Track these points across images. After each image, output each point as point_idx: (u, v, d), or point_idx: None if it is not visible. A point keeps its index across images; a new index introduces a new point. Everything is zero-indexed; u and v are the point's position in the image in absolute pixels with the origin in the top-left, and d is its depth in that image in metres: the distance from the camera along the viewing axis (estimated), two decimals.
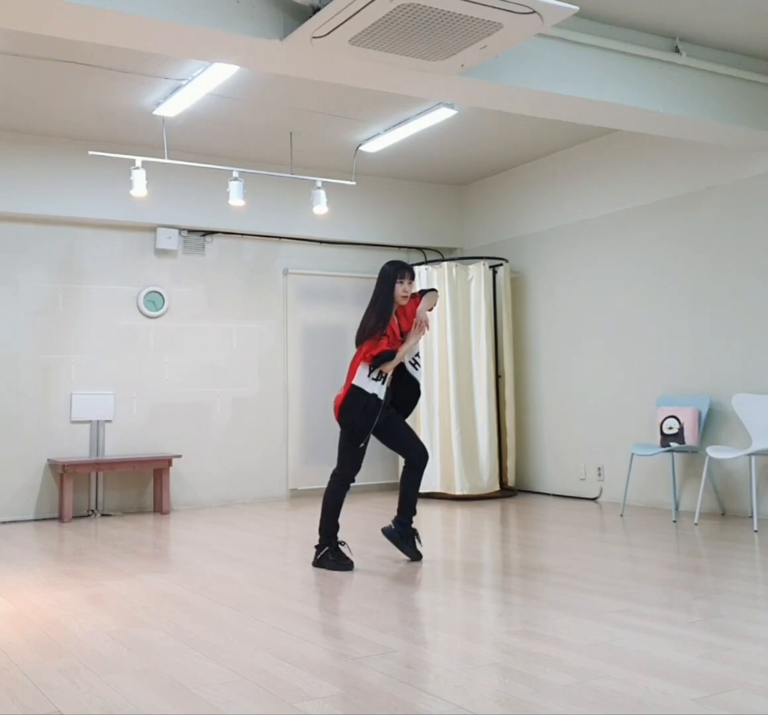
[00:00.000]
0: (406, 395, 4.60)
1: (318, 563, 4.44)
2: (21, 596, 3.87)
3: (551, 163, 7.46)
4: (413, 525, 4.60)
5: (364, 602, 3.64)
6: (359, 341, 4.48)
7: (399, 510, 4.54)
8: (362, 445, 4.43)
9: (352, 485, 4.51)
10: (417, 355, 4.61)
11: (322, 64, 4.12)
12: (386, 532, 4.57)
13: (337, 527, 4.47)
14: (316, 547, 4.49)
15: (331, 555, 4.41)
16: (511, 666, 2.72)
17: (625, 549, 4.78)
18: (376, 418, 4.40)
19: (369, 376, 4.39)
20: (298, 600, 3.70)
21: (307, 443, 7.58)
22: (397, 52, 3.92)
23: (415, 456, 4.51)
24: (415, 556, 4.56)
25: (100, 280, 6.89)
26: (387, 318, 4.43)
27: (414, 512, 4.55)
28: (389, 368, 4.44)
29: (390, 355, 4.40)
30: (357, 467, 4.46)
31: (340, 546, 4.45)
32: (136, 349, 6.98)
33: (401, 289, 4.49)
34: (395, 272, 4.49)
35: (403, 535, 4.56)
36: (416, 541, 4.59)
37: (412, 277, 4.54)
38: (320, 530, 4.48)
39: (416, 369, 4.59)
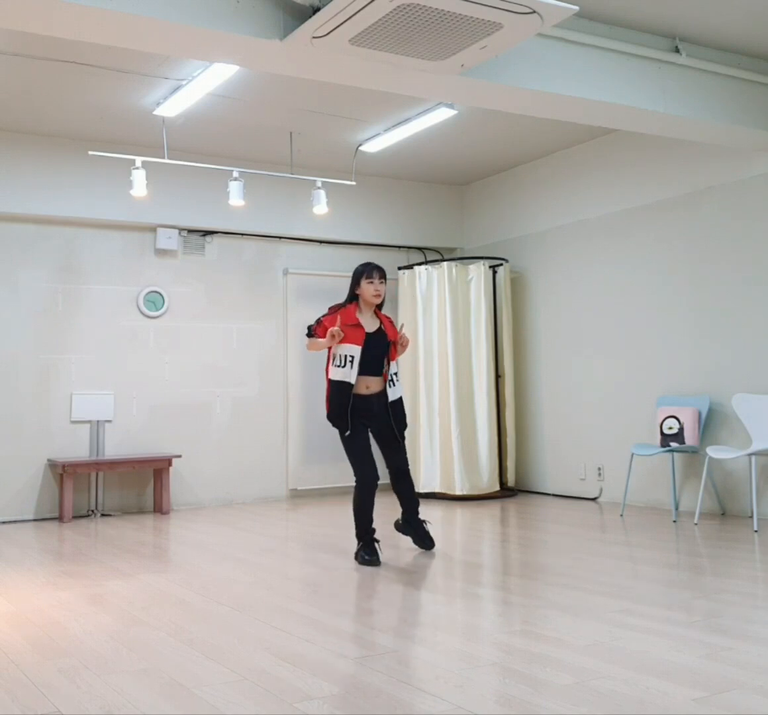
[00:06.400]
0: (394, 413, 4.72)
1: (355, 556, 4.63)
2: (21, 596, 3.87)
3: (551, 163, 7.46)
4: (421, 516, 4.85)
5: (364, 602, 3.64)
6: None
7: (402, 508, 4.83)
8: (348, 433, 4.54)
9: (378, 482, 4.60)
10: (394, 373, 4.71)
11: (322, 64, 4.12)
12: (396, 526, 4.91)
13: (364, 525, 4.60)
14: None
15: (361, 550, 4.57)
16: (511, 666, 2.72)
17: (625, 549, 4.78)
18: (350, 401, 4.54)
19: (333, 363, 4.60)
20: (298, 600, 3.70)
21: (307, 443, 7.58)
22: (397, 52, 3.92)
23: (391, 466, 4.72)
24: (425, 545, 4.79)
25: (100, 280, 6.89)
26: (336, 310, 4.62)
27: (415, 506, 4.78)
28: (313, 347, 4.61)
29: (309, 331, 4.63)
30: (365, 463, 4.54)
31: (374, 542, 4.59)
32: (136, 349, 6.98)
33: (373, 289, 4.62)
34: (363, 271, 4.64)
35: (409, 525, 4.82)
36: (427, 529, 4.83)
37: (382, 276, 4.64)
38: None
39: (390, 386, 4.68)
